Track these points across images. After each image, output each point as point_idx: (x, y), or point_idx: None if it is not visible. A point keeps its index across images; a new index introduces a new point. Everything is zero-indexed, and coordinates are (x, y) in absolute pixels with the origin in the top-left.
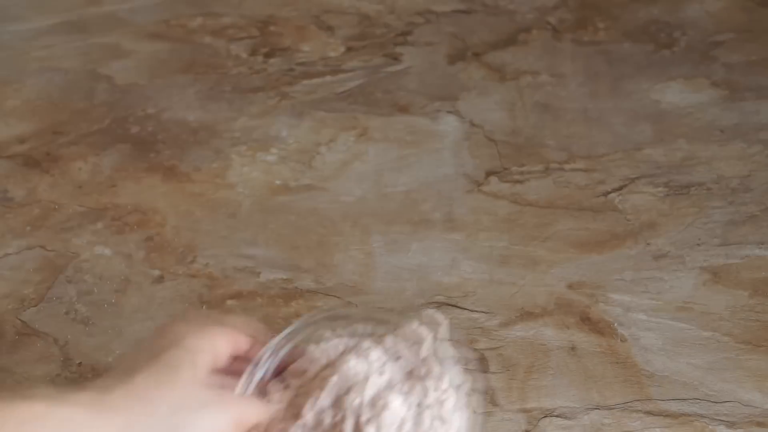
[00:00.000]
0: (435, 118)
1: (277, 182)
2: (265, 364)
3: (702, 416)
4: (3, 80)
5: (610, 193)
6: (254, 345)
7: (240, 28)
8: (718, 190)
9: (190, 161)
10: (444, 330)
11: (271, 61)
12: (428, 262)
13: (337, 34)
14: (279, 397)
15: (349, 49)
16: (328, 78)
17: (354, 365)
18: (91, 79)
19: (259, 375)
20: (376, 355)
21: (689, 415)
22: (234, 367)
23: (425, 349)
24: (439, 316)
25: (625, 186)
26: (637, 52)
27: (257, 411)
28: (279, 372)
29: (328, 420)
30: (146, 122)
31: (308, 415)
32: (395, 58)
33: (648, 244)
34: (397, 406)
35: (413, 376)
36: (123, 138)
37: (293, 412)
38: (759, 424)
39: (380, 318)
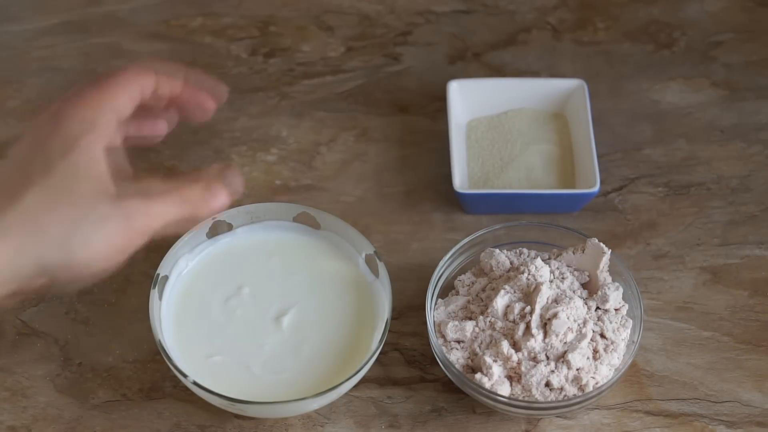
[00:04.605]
0: (435, 118)
1: (277, 182)
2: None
3: (702, 416)
4: (3, 80)
5: (610, 193)
6: (163, 81)
7: (240, 28)
8: (718, 190)
9: (191, 161)
10: (607, 258)
11: (271, 61)
12: (428, 262)
13: (337, 34)
14: (467, 291)
15: (349, 49)
16: (328, 78)
17: (540, 267)
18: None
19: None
20: (556, 264)
21: (689, 415)
22: (151, 105)
23: (603, 263)
24: (604, 246)
25: (625, 186)
26: (637, 52)
27: (164, 215)
28: None
29: (516, 311)
30: None
31: (498, 304)
32: (395, 58)
33: (648, 244)
34: (579, 306)
35: (591, 284)
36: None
37: (480, 304)
38: (759, 424)
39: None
